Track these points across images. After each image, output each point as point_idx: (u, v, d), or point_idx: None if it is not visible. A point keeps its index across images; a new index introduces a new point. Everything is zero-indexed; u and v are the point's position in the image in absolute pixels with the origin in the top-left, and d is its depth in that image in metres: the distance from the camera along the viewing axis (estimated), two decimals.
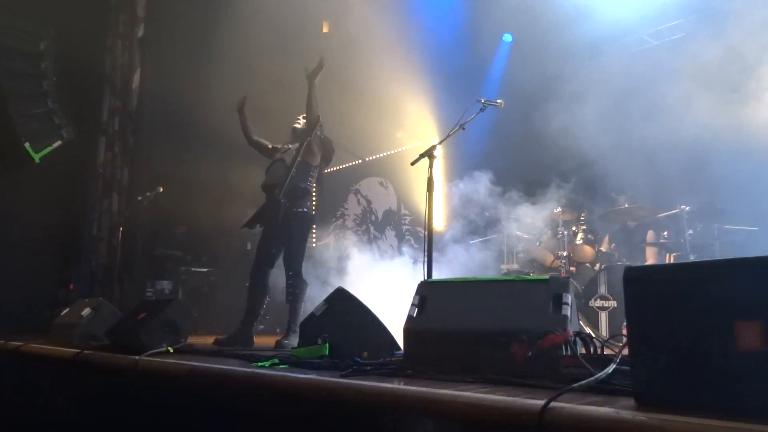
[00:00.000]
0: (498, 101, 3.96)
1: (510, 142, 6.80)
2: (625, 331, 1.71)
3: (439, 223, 6.96)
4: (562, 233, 5.66)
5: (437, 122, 7.25)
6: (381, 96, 7.19)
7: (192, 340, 3.77)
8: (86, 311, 4.48)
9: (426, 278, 3.45)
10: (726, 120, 4.66)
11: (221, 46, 7.25)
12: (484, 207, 6.29)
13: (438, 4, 7.69)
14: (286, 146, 4.80)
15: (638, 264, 5.08)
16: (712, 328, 1.39)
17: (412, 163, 3.87)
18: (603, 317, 4.85)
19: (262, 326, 6.45)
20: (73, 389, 3.72)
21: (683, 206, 5.25)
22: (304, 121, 4.74)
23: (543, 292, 2.29)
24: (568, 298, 2.22)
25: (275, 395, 2.30)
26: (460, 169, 6.52)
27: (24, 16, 6.57)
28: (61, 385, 3.84)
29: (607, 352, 2.20)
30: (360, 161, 8.95)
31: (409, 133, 7.83)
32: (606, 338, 4.48)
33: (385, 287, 5.13)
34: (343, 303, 3.05)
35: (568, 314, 2.18)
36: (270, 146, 4.89)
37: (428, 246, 3.60)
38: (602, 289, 4.92)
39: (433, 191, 3.72)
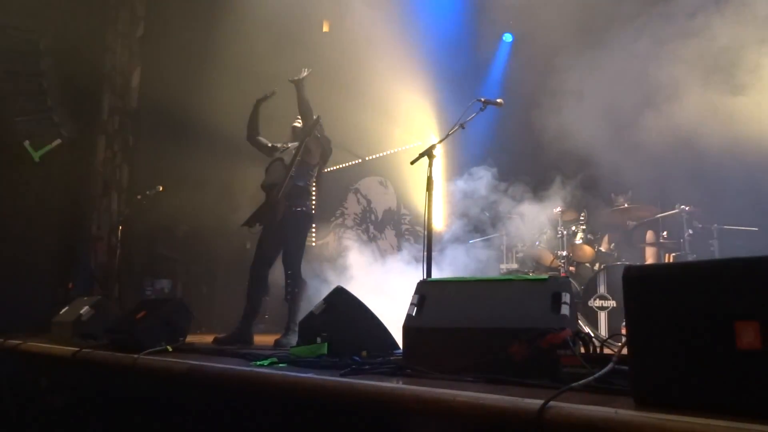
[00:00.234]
0: (498, 100, 3.96)
1: (509, 142, 6.81)
2: (624, 331, 1.71)
3: (438, 223, 6.96)
4: (562, 233, 5.67)
5: (437, 121, 7.25)
6: (381, 95, 7.19)
7: (191, 339, 3.78)
8: (85, 310, 4.49)
9: (425, 277, 3.45)
10: (726, 120, 4.66)
11: (221, 45, 7.24)
12: (483, 206, 6.30)
13: (438, 4, 7.69)
14: (285, 145, 4.79)
15: (637, 264, 5.08)
16: (711, 328, 1.39)
17: (412, 163, 3.87)
18: (602, 317, 4.85)
19: (261, 325, 6.44)
20: (72, 387, 3.72)
21: (683, 206, 5.26)
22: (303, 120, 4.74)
23: (542, 292, 2.29)
24: (567, 297, 2.22)
25: (274, 394, 2.30)
26: (460, 168, 6.52)
27: (23, 15, 6.57)
28: (60, 384, 3.85)
29: (606, 351, 2.20)
30: (360, 160, 8.94)
31: (409, 132, 7.83)
32: (605, 338, 4.48)
33: (385, 286, 5.13)
34: (343, 302, 3.05)
35: (567, 314, 2.18)
36: (269, 145, 4.89)
37: (427, 245, 3.60)
38: (601, 289, 4.93)
39: (433, 191, 3.72)
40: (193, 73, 7.24)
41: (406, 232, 8.30)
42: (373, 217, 8.80)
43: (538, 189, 6.05)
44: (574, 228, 5.73)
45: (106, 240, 7.15)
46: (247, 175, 6.72)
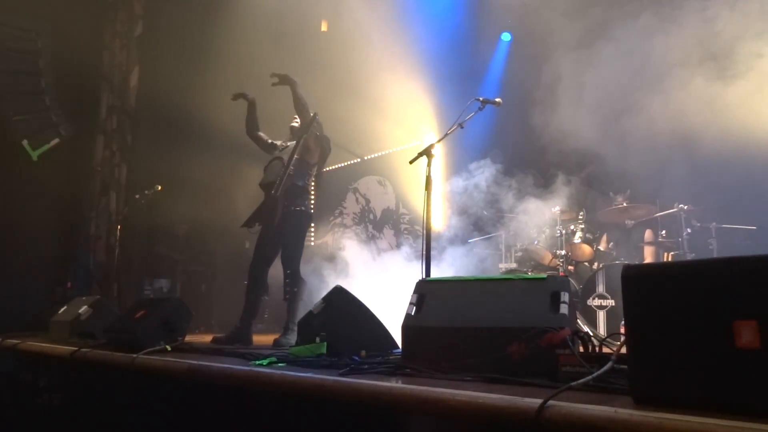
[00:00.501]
0: (496, 100, 3.96)
1: (508, 141, 6.81)
2: (623, 330, 1.71)
3: (437, 222, 6.96)
4: (561, 232, 5.67)
5: (436, 121, 7.25)
6: (379, 94, 7.19)
7: (190, 338, 3.77)
8: (84, 309, 4.48)
9: (424, 277, 3.44)
10: (725, 120, 4.66)
11: (219, 44, 7.23)
12: (482, 205, 6.30)
13: (437, 3, 7.69)
14: (285, 144, 4.79)
15: (636, 263, 5.09)
16: (710, 327, 1.39)
17: (411, 162, 3.86)
18: (601, 316, 4.86)
19: (260, 325, 6.44)
20: (71, 387, 3.72)
21: (681, 205, 5.27)
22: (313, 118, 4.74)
23: (541, 291, 2.29)
24: (566, 296, 2.22)
25: (273, 394, 2.30)
26: (459, 167, 6.52)
27: (21, 14, 6.56)
28: (59, 383, 3.84)
29: (605, 350, 2.20)
30: (358, 160, 8.94)
31: (408, 131, 7.83)
32: (604, 337, 4.48)
33: (384, 286, 5.13)
34: (342, 301, 3.04)
35: (566, 313, 2.18)
36: (269, 141, 4.88)
37: (426, 244, 3.59)
38: (600, 288, 4.93)
39: (432, 190, 3.71)
40: (191, 72, 7.23)
41: (405, 232, 8.31)
42: (371, 217, 8.80)
43: (536, 188, 6.06)
44: (572, 227, 5.74)
45: (104, 239, 7.14)
46: (246, 174, 6.71)
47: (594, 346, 2.19)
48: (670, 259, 5.36)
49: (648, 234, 5.75)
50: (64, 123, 6.76)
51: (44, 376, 4.01)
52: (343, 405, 2.05)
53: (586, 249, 5.66)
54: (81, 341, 3.94)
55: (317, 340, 2.88)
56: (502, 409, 1.55)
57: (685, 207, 5.26)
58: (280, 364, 2.52)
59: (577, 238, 5.66)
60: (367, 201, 8.91)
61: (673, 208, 5.35)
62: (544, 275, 2.45)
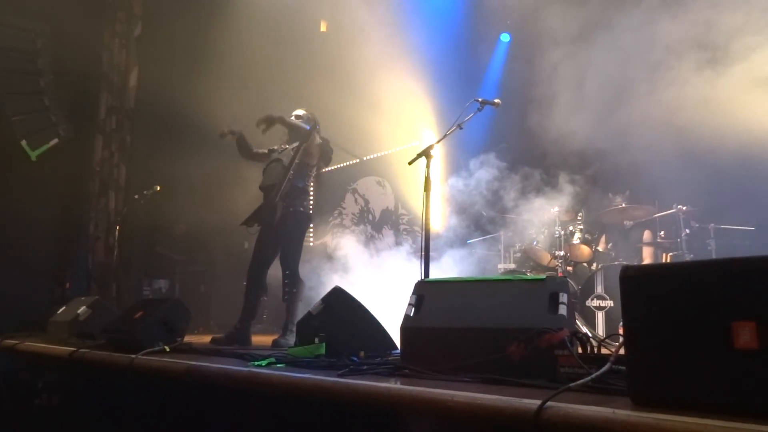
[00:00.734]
0: (495, 100, 3.96)
1: (506, 142, 6.81)
2: (621, 331, 1.71)
3: (436, 223, 6.96)
4: (559, 233, 5.67)
5: (435, 121, 7.25)
6: (379, 95, 7.19)
7: (189, 339, 3.77)
8: (83, 309, 4.48)
9: (423, 278, 3.45)
10: (723, 121, 4.67)
11: (219, 45, 7.24)
12: (481, 205, 6.30)
13: (436, 4, 7.69)
14: (283, 146, 4.78)
15: (635, 264, 5.09)
16: (708, 328, 1.39)
17: (410, 163, 3.86)
18: (600, 317, 4.86)
19: (259, 325, 6.44)
20: (69, 387, 3.72)
21: (679, 206, 5.27)
22: (298, 116, 4.74)
23: (540, 292, 2.29)
24: (565, 297, 2.23)
25: (272, 395, 2.30)
26: (458, 168, 6.52)
27: (20, 14, 6.55)
28: (57, 383, 3.84)
29: (603, 351, 2.20)
30: (357, 160, 8.94)
31: (407, 132, 7.83)
32: (602, 338, 4.49)
33: (382, 287, 5.13)
34: (340, 302, 3.04)
35: (565, 314, 2.18)
36: (266, 151, 4.89)
37: (425, 245, 3.59)
38: (599, 289, 4.94)
39: (431, 191, 3.71)
40: (190, 73, 7.23)
41: (404, 232, 8.30)
42: (371, 217, 8.80)
43: (535, 189, 6.06)
44: (571, 228, 5.74)
45: (103, 239, 7.14)
46: (245, 174, 6.71)
47: (592, 347, 2.19)
48: (668, 259, 5.36)
49: (647, 235, 5.75)
50: (63, 123, 6.75)
51: (43, 376, 4.01)
52: (342, 406, 2.06)
53: (585, 250, 5.67)
54: (80, 342, 3.94)
55: (316, 340, 2.88)
56: (501, 410, 1.55)
57: (684, 208, 5.26)
58: (278, 365, 2.53)
59: (575, 239, 5.67)
60: (366, 201, 8.91)
61: (671, 209, 5.35)
62: (542, 276, 2.45)
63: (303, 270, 4.65)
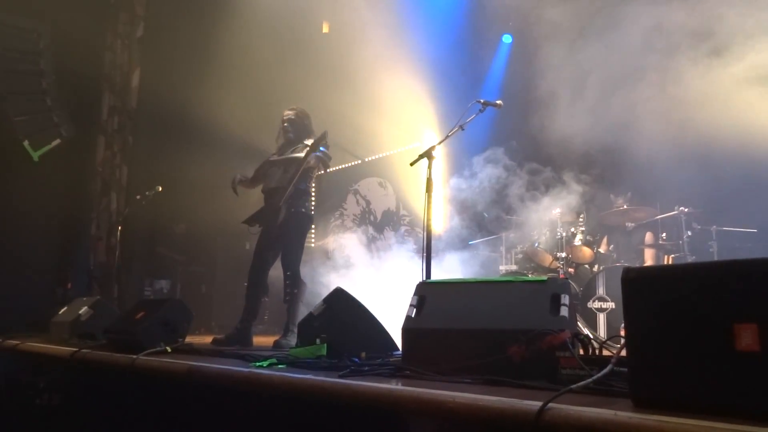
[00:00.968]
0: (497, 102, 3.96)
1: (508, 143, 6.80)
2: (623, 333, 1.71)
3: (438, 224, 6.96)
4: (561, 234, 5.67)
5: (437, 122, 7.25)
6: (380, 96, 7.19)
7: (190, 339, 3.77)
8: (84, 310, 4.48)
9: (424, 279, 3.45)
10: (725, 122, 4.66)
11: (221, 45, 7.24)
12: (483, 206, 6.30)
13: (438, 5, 7.69)
14: (276, 156, 4.77)
15: (636, 265, 5.09)
16: (710, 330, 1.39)
17: (412, 164, 3.87)
18: (601, 318, 4.86)
19: (260, 326, 6.44)
20: (71, 388, 3.72)
21: (681, 208, 5.27)
22: (290, 120, 4.74)
23: (541, 293, 2.29)
24: (566, 299, 2.23)
25: (273, 395, 2.30)
26: (460, 169, 6.52)
27: (23, 14, 6.57)
28: (59, 384, 3.84)
29: (605, 353, 2.20)
30: (359, 161, 8.95)
31: (409, 133, 7.83)
32: (604, 339, 4.48)
33: (384, 288, 5.13)
34: (342, 303, 3.04)
35: (566, 315, 2.18)
36: (262, 164, 4.90)
37: (427, 246, 3.59)
38: (600, 291, 4.93)
39: (432, 192, 3.72)
40: (192, 74, 7.24)
41: (406, 233, 8.30)
42: (372, 218, 8.80)
43: (537, 190, 6.05)
44: (573, 229, 5.74)
45: (105, 240, 7.15)
46: (247, 175, 6.72)
47: (594, 349, 2.19)
48: (670, 261, 5.36)
49: (648, 236, 5.75)
50: (66, 123, 6.76)
51: (44, 376, 4.01)
52: (343, 407, 2.05)
53: (587, 251, 5.66)
54: (81, 342, 3.95)
55: (317, 341, 2.88)
56: (502, 411, 1.55)
57: (686, 210, 5.26)
58: (280, 366, 2.53)
59: (577, 241, 5.66)
60: (368, 202, 8.91)
61: (673, 211, 5.35)
62: (544, 277, 2.45)
63: (304, 271, 4.65)
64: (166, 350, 3.21)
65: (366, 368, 2.32)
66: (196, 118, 7.08)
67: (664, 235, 5.51)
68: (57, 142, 6.71)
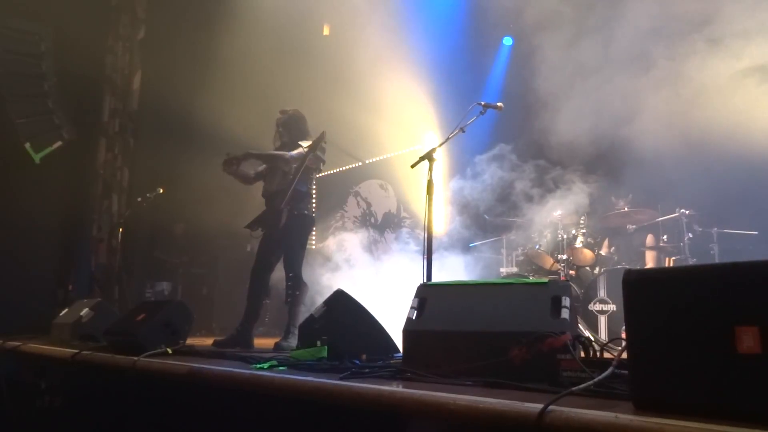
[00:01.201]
0: (498, 104, 3.96)
1: (508, 145, 6.80)
2: (624, 335, 1.71)
3: (438, 226, 6.96)
4: (562, 236, 5.67)
5: (437, 125, 7.25)
6: (381, 98, 7.20)
7: (191, 341, 3.77)
8: (85, 311, 4.49)
9: (425, 281, 3.44)
10: (727, 125, 4.66)
11: (222, 48, 7.26)
12: (483, 210, 6.30)
13: (438, 7, 7.70)
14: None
15: (637, 267, 5.08)
16: (711, 332, 1.39)
17: (412, 166, 3.87)
18: (602, 321, 4.85)
19: (261, 328, 6.44)
20: (72, 389, 3.72)
21: (683, 210, 5.26)
22: (284, 115, 4.75)
23: (542, 296, 2.28)
24: (567, 301, 2.22)
25: (274, 397, 2.30)
26: (461, 171, 6.52)
27: (25, 17, 6.58)
28: (60, 385, 3.84)
29: (606, 355, 2.20)
30: (360, 163, 8.95)
31: (410, 135, 7.84)
32: (605, 342, 4.48)
33: (385, 289, 5.13)
34: (343, 305, 3.04)
35: (567, 318, 2.18)
36: (259, 167, 4.90)
37: (428, 248, 3.60)
38: (601, 293, 4.93)
39: (433, 194, 3.72)
40: (193, 76, 7.26)
41: (406, 235, 8.31)
42: (373, 220, 8.80)
43: (538, 192, 6.05)
44: (574, 231, 5.73)
45: (106, 242, 7.15)
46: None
47: (595, 351, 2.19)
48: (671, 264, 5.35)
49: (649, 239, 5.74)
50: (67, 126, 6.78)
51: (45, 378, 4.01)
52: (344, 409, 2.05)
53: (588, 253, 5.66)
54: (82, 344, 3.95)
55: (318, 343, 2.88)
56: (503, 413, 1.55)
57: (687, 212, 5.25)
58: (280, 368, 2.53)
59: (578, 243, 5.66)
60: (369, 204, 8.92)
61: (674, 213, 5.34)
62: (545, 280, 2.45)
63: (305, 273, 4.65)
64: (167, 352, 3.21)
65: (367, 370, 2.32)
66: (197, 120, 7.10)
67: (665, 237, 5.51)
68: (58, 144, 6.72)
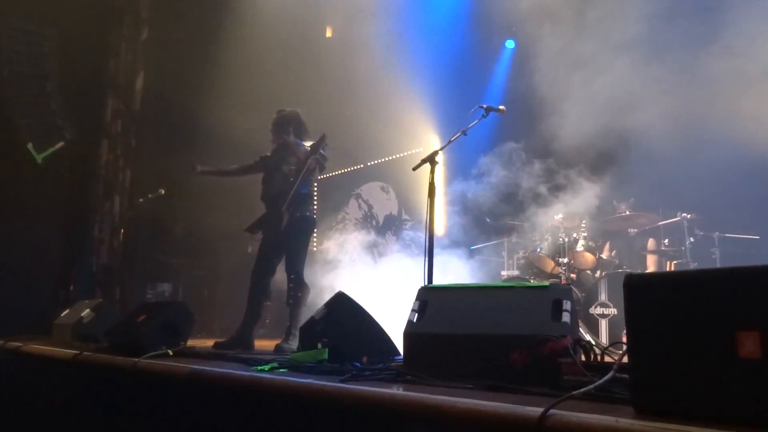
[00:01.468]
0: (500, 107, 3.97)
1: (512, 148, 6.80)
2: (625, 339, 1.71)
3: (440, 229, 6.96)
4: (563, 240, 5.66)
5: (439, 127, 7.26)
6: (383, 100, 7.21)
7: (191, 342, 3.78)
8: (86, 312, 4.49)
9: (426, 284, 3.44)
10: (727, 130, 4.66)
11: (224, 50, 7.27)
12: (485, 213, 6.29)
13: (441, 10, 7.72)
14: (272, 156, 4.78)
15: (639, 271, 5.08)
16: (712, 337, 1.39)
17: (414, 169, 3.87)
18: (603, 324, 4.85)
19: (262, 330, 6.44)
20: (72, 390, 3.72)
21: (684, 214, 5.26)
22: (275, 116, 4.77)
23: (543, 299, 2.29)
24: (568, 305, 2.22)
25: (274, 399, 2.30)
26: (462, 174, 6.52)
27: (28, 18, 6.60)
28: (60, 386, 3.85)
29: (606, 359, 2.20)
30: (362, 166, 8.95)
31: (411, 138, 7.85)
32: (606, 346, 4.47)
33: (386, 292, 5.13)
34: (344, 307, 3.05)
35: (568, 321, 2.18)
36: (257, 160, 4.91)
37: (429, 251, 3.60)
38: (602, 297, 4.92)
39: (435, 196, 3.72)
40: (196, 77, 7.26)
41: (408, 238, 8.31)
42: (374, 222, 8.80)
43: (540, 195, 6.05)
44: (575, 235, 5.72)
45: (107, 242, 7.16)
46: (250, 179, 6.73)
47: (596, 355, 2.19)
48: (672, 268, 5.35)
49: (651, 243, 5.74)
50: (69, 126, 6.79)
51: (46, 379, 4.01)
52: (345, 411, 2.05)
53: (589, 257, 5.65)
54: (83, 344, 3.95)
55: (319, 345, 2.88)
56: (504, 417, 1.54)
57: (688, 216, 5.25)
58: (281, 370, 2.53)
59: (579, 246, 5.65)
60: (370, 207, 8.92)
61: (676, 217, 5.34)
62: (546, 283, 2.45)
63: (306, 275, 4.66)
64: (168, 353, 3.21)
65: (367, 373, 2.32)
66: (199, 121, 7.10)
67: (666, 241, 5.51)
68: (60, 144, 6.73)
